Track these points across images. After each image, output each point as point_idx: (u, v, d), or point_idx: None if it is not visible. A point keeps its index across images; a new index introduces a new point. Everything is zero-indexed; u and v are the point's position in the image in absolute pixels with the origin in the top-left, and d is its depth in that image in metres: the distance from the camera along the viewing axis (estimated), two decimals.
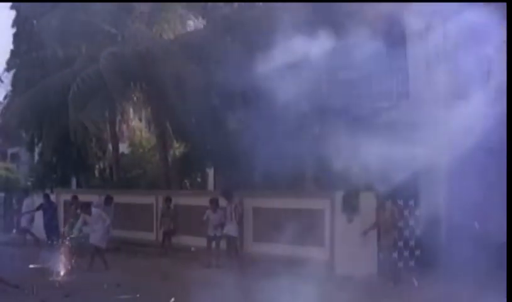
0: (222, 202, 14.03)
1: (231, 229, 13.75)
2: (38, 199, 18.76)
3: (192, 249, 14.51)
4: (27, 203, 18.91)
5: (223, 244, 13.91)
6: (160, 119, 18.24)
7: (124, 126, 22.41)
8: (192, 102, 15.10)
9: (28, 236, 18.39)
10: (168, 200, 15.86)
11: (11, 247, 17.73)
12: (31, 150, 22.60)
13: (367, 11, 12.35)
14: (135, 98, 19.57)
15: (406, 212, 12.66)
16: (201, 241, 14.13)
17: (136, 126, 22.67)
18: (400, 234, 12.50)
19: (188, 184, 21.02)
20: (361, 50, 12.92)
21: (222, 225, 13.71)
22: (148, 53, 15.48)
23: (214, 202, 13.62)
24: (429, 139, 11.97)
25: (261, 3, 15.06)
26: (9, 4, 22.44)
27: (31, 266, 13.35)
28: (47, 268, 12.57)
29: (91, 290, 11.03)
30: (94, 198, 18.52)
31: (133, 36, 16.42)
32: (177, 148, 20.48)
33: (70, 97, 16.19)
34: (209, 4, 16.98)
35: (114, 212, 15.85)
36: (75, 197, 17.63)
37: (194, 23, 17.90)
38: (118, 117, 20.79)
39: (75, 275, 12.18)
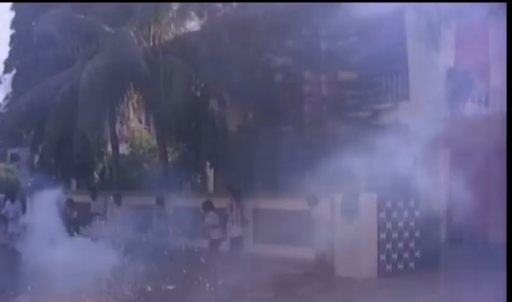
0: (220, 203, 14.01)
1: (238, 230, 13.70)
2: (36, 201, 18.67)
3: None
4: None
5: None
6: (158, 121, 18.22)
7: (124, 127, 22.40)
8: (189, 104, 15.08)
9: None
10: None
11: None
12: (34, 150, 22.54)
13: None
14: (134, 100, 19.56)
15: (406, 213, 12.61)
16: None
17: (135, 127, 22.66)
18: (400, 235, 12.45)
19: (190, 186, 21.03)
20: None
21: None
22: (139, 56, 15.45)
23: None
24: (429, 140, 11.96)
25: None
26: (8, 4, 22.51)
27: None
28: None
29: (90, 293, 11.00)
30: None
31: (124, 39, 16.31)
32: (177, 150, 20.46)
33: (63, 102, 16.19)
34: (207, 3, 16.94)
35: None
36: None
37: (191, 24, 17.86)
38: (118, 119, 20.77)
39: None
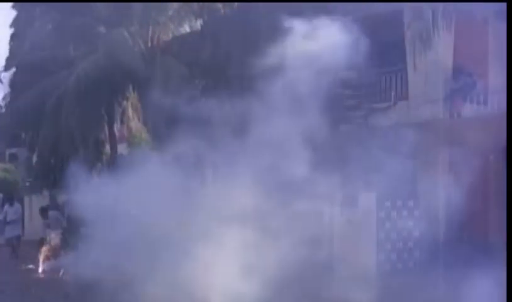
0: None
1: None
2: (35, 201, 18.66)
3: None
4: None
5: None
6: (156, 121, 18.18)
7: (123, 127, 22.29)
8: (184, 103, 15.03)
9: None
10: None
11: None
12: (32, 151, 22.45)
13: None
14: (133, 100, 19.48)
15: (405, 213, 12.60)
16: None
17: (134, 126, 22.55)
18: (399, 235, 12.45)
19: None
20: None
21: None
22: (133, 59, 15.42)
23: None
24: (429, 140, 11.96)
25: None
26: (8, 4, 22.44)
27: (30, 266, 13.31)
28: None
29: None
30: None
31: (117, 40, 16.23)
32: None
33: (57, 103, 16.14)
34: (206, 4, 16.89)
35: None
36: None
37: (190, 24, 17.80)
38: (116, 119, 20.68)
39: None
